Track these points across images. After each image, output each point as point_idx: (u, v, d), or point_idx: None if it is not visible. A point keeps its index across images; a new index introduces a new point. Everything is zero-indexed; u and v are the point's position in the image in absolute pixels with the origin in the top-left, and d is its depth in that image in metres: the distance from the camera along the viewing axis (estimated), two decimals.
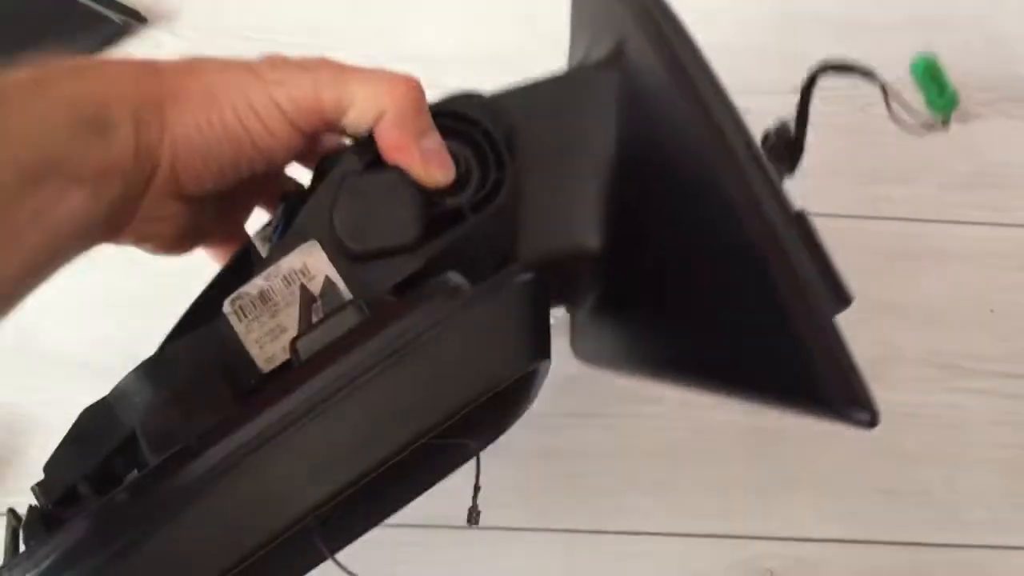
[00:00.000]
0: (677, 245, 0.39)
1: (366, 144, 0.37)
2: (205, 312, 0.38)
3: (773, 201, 0.34)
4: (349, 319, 0.32)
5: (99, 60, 0.35)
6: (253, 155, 0.35)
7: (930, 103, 0.59)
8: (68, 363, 0.61)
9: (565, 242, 0.41)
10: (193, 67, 0.35)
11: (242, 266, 0.40)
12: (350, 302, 0.33)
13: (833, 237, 0.67)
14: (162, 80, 0.34)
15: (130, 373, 0.36)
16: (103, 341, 0.61)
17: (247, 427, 0.29)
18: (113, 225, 0.35)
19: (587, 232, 0.41)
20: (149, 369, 0.36)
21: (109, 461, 0.36)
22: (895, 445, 0.64)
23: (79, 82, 0.32)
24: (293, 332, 0.34)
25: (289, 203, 0.39)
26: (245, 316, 0.36)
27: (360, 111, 0.35)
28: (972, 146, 0.73)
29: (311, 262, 0.37)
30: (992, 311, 0.68)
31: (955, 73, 0.74)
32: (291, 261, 0.37)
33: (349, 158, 0.37)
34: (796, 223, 0.33)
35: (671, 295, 0.40)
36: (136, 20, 0.69)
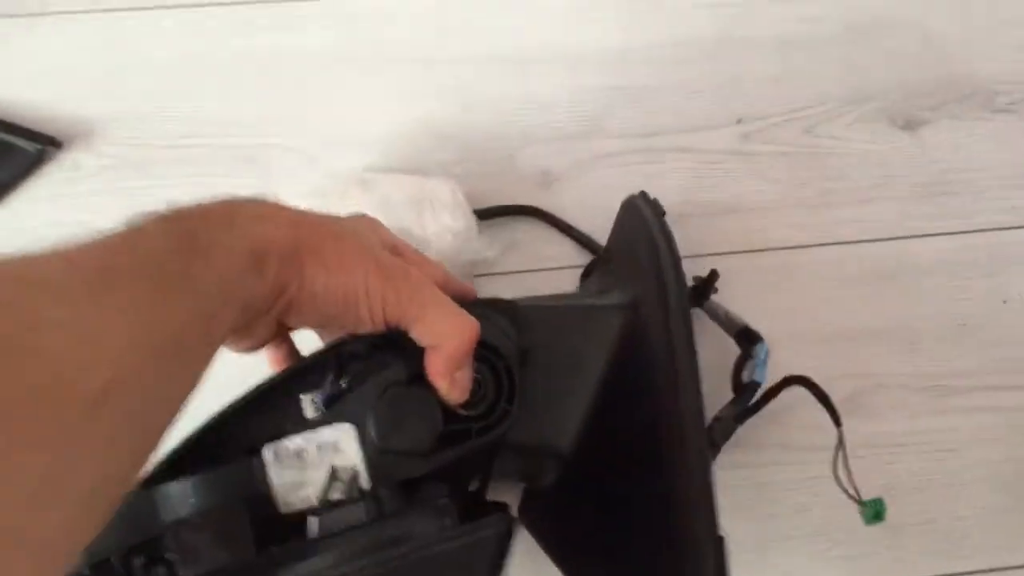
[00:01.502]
0: (621, 474, 0.50)
1: (414, 360, 0.45)
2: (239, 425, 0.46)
3: (706, 513, 0.44)
4: (357, 514, 0.43)
5: (266, 205, 0.40)
6: (346, 322, 0.42)
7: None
8: None
9: (544, 441, 0.50)
10: (332, 229, 0.41)
11: (271, 402, 0.47)
12: (364, 496, 0.43)
13: (794, 268, 0.67)
14: (300, 232, 0.39)
15: (181, 480, 0.42)
16: None
17: None
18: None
19: (564, 437, 0.50)
20: (194, 484, 0.43)
21: (141, 545, 0.42)
22: (890, 479, 0.62)
23: (258, 226, 0.37)
24: (313, 490, 0.44)
25: (339, 378, 0.47)
26: (279, 464, 0.44)
27: (426, 334, 0.43)
28: (925, 154, 0.71)
29: (344, 441, 0.45)
30: (963, 324, 0.66)
31: (895, 79, 0.73)
32: (328, 434, 0.45)
33: (398, 369, 0.45)
34: (715, 544, 0.44)
35: (604, 510, 0.51)
36: (51, 146, 0.66)
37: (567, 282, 0.66)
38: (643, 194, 0.61)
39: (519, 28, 0.74)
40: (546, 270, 0.67)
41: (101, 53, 0.70)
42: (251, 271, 0.37)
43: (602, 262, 0.65)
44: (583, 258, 0.67)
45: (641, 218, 0.58)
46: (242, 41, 0.71)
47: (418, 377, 0.46)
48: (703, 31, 0.74)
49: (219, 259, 0.35)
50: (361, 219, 0.48)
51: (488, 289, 0.66)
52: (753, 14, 0.75)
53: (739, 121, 0.72)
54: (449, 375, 0.44)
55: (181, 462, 0.47)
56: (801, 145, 0.71)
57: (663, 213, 0.59)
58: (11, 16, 0.71)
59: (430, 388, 0.45)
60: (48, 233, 0.63)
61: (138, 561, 0.43)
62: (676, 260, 0.52)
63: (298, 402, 0.48)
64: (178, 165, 0.68)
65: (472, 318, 0.44)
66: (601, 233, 0.67)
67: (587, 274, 0.66)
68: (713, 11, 0.75)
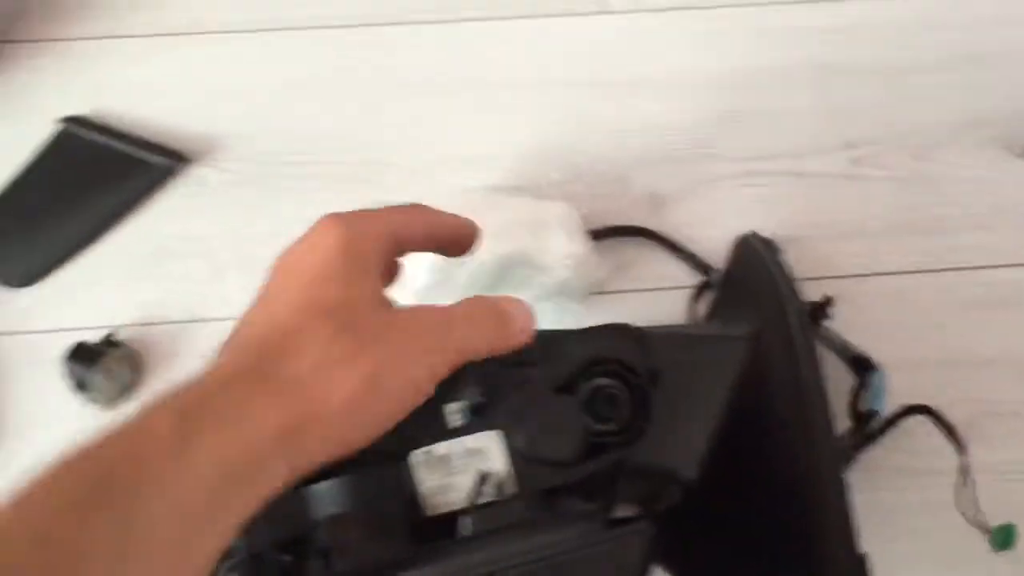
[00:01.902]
0: (749, 501, 0.51)
1: (560, 371, 0.46)
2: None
3: (844, 537, 0.45)
4: (508, 516, 0.43)
5: (233, 399, 0.31)
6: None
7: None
8: None
9: (668, 465, 0.50)
10: (336, 378, 0.33)
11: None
12: (513, 498, 0.43)
13: (906, 293, 0.66)
14: (303, 397, 0.32)
15: (330, 481, 0.43)
16: None
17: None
18: None
19: (688, 463, 0.50)
20: (344, 483, 0.44)
21: (292, 540, 0.44)
22: (1007, 508, 0.61)
23: (222, 435, 0.30)
24: (459, 495, 0.44)
25: (483, 388, 0.47)
26: (426, 468, 0.45)
27: (482, 350, 0.39)
28: None
29: (490, 448, 0.46)
30: None
31: (1010, 106, 0.72)
32: (475, 440, 0.45)
33: (544, 379, 0.46)
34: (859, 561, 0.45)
35: (730, 535, 0.52)
36: (180, 161, 0.68)
37: (677, 303, 0.67)
38: (755, 234, 0.64)
39: (631, 53, 0.75)
40: (656, 290, 0.68)
41: (229, 74, 0.73)
42: (232, 489, 0.30)
43: (718, 292, 0.66)
44: (693, 279, 0.68)
45: (757, 255, 0.61)
46: (362, 63, 0.74)
47: (564, 388, 0.47)
48: (812, 57, 0.75)
49: (161, 519, 0.27)
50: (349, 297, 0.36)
51: (599, 308, 0.66)
52: (863, 42, 0.75)
53: (850, 146, 0.72)
54: (512, 340, 0.39)
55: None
56: (912, 171, 0.71)
57: (778, 251, 0.61)
58: (148, 36, 0.74)
59: (576, 404, 0.47)
60: (174, 244, 0.66)
61: (288, 555, 0.44)
62: (798, 299, 0.54)
63: (441, 411, 0.49)
64: (296, 181, 0.70)
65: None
66: (711, 255, 0.67)
67: (697, 296, 0.67)
68: (822, 38, 0.76)
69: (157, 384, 0.63)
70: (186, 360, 0.64)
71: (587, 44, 0.75)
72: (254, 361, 0.32)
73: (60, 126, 0.70)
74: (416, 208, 0.41)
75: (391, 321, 0.35)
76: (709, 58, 0.75)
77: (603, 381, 0.50)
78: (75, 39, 0.74)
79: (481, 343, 0.39)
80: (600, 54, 0.75)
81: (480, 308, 0.40)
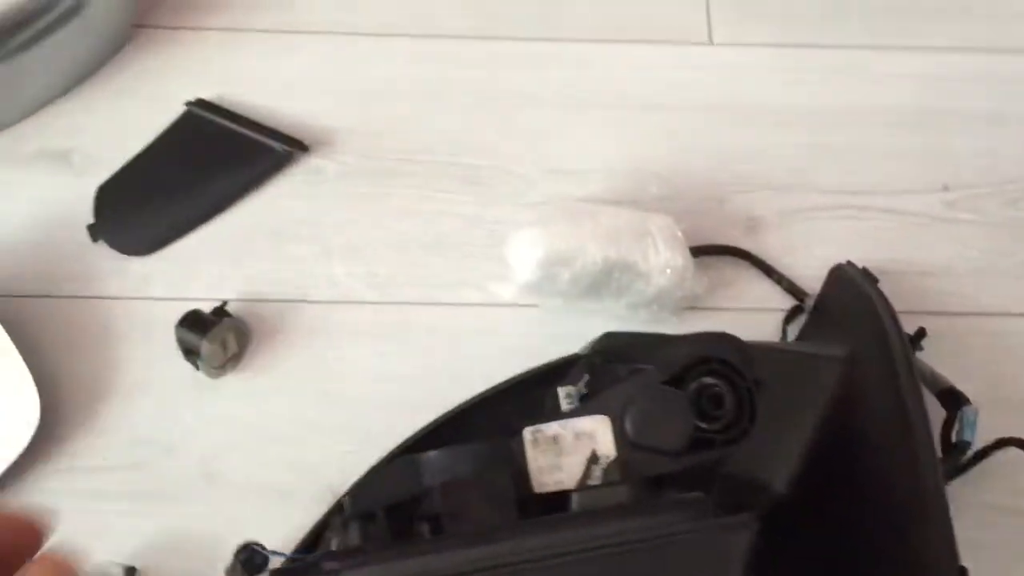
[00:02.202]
0: (842, 517, 0.52)
1: (670, 364, 0.49)
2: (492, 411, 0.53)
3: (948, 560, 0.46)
4: (619, 495, 0.44)
5: None
6: None
7: None
8: (246, 488, 0.62)
9: (760, 476, 0.52)
10: None
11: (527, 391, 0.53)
12: (623, 482, 0.45)
13: (996, 334, 0.67)
14: None
15: (441, 450, 0.47)
16: (283, 467, 0.63)
17: (532, 539, 0.40)
18: None
19: (779, 476, 0.52)
20: (457, 453, 0.47)
21: (403, 503, 0.47)
22: None
23: None
24: (566, 474, 0.47)
25: (593, 378, 0.50)
26: (537, 446, 0.47)
27: None
28: None
29: (599, 431, 0.48)
30: None
31: None
32: (585, 424, 0.48)
33: (654, 372, 0.49)
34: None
35: (820, 550, 0.53)
36: (299, 149, 0.71)
37: (768, 324, 0.68)
38: (851, 263, 0.66)
39: (733, 83, 0.77)
40: (749, 310, 0.69)
41: (351, 73, 0.76)
42: None
43: (810, 317, 0.68)
44: (785, 303, 0.69)
45: (854, 283, 0.62)
46: (480, 72, 0.77)
47: (673, 382, 0.49)
48: (911, 99, 0.77)
49: None
50: None
51: (692, 322, 0.68)
52: (962, 87, 0.77)
53: (945, 188, 0.73)
54: None
55: (440, 433, 0.51)
56: (1006, 217, 0.73)
57: (876, 280, 0.63)
58: (275, 32, 0.77)
59: (684, 396, 0.48)
60: (287, 227, 0.69)
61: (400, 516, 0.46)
62: (899, 326, 0.56)
63: (553, 394, 0.51)
64: (407, 178, 0.73)
65: None
66: (803, 280, 0.69)
67: (789, 319, 0.68)
68: (922, 81, 0.78)
69: (260, 356, 0.66)
70: (290, 335, 0.66)
71: (691, 71, 0.78)
72: None
73: (187, 108, 0.73)
74: None
75: None
76: (808, 93, 0.77)
77: (710, 380, 0.51)
78: (206, 29, 0.77)
79: None
80: (703, 82, 0.77)
81: None
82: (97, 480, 0.61)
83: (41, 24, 0.66)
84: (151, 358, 0.66)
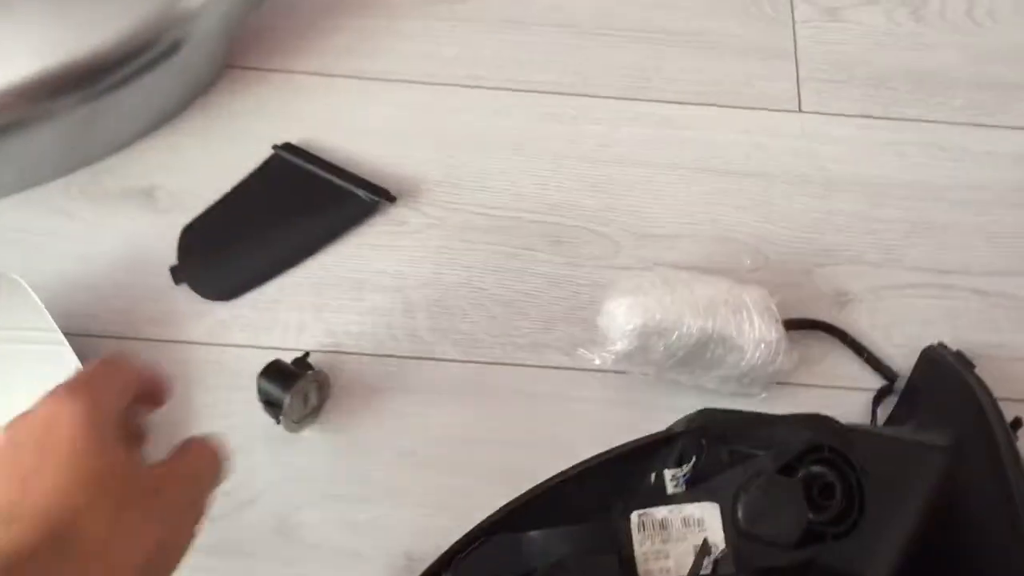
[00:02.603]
0: None
1: (783, 452, 0.48)
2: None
3: None
4: None
5: (40, 571, 0.34)
6: None
7: None
8: (320, 548, 0.61)
9: (858, 567, 0.49)
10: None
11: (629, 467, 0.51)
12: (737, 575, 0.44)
13: None
14: (105, 565, 0.36)
15: (550, 530, 0.47)
16: (358, 528, 0.61)
17: None
18: None
19: (878, 567, 0.50)
20: (562, 534, 0.47)
21: None
22: None
23: None
24: (674, 562, 0.46)
25: (700, 459, 0.48)
26: (643, 530, 0.47)
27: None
28: None
29: (708, 519, 0.47)
30: None
31: None
32: (693, 510, 0.47)
33: (766, 459, 0.48)
34: None
35: None
36: (386, 199, 0.70)
37: (858, 403, 0.67)
38: (943, 345, 0.65)
39: (823, 153, 0.76)
40: (838, 388, 0.68)
41: (438, 121, 0.76)
42: None
43: (900, 399, 0.66)
44: (875, 382, 0.67)
45: (950, 367, 0.61)
46: (568, 128, 0.76)
47: (786, 468, 0.47)
48: (1009, 177, 0.75)
49: None
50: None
51: (780, 398, 0.67)
52: None
53: None
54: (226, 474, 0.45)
55: (532, 507, 0.50)
56: None
57: (973, 366, 0.61)
58: (362, 78, 0.77)
59: (798, 486, 0.47)
60: (369, 278, 0.68)
61: None
62: (1002, 417, 0.55)
63: (656, 474, 0.50)
64: (490, 234, 0.72)
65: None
66: (894, 359, 0.67)
67: (879, 399, 0.67)
68: (1019, 162, 0.76)
69: (338, 411, 0.65)
70: (369, 390, 0.65)
71: (779, 138, 0.77)
72: (48, 538, 0.34)
73: (274, 151, 0.72)
74: (120, 367, 0.43)
75: (154, 486, 0.39)
76: (901, 167, 0.76)
77: (819, 469, 0.50)
78: (295, 72, 0.77)
79: (214, 485, 0.43)
80: (792, 149, 0.76)
81: (207, 454, 0.43)
82: None
83: (137, 64, 0.65)
84: (228, 407, 0.64)
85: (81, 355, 0.62)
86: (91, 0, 0.63)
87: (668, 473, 0.49)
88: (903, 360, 0.67)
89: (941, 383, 0.63)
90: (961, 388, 0.60)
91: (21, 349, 0.62)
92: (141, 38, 0.64)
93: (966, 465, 0.55)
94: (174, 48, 0.66)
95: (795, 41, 0.82)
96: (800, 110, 0.79)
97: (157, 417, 0.62)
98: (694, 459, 0.49)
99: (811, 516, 0.48)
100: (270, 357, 0.63)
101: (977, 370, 0.62)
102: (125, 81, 0.65)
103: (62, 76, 0.63)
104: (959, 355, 0.64)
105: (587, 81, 0.78)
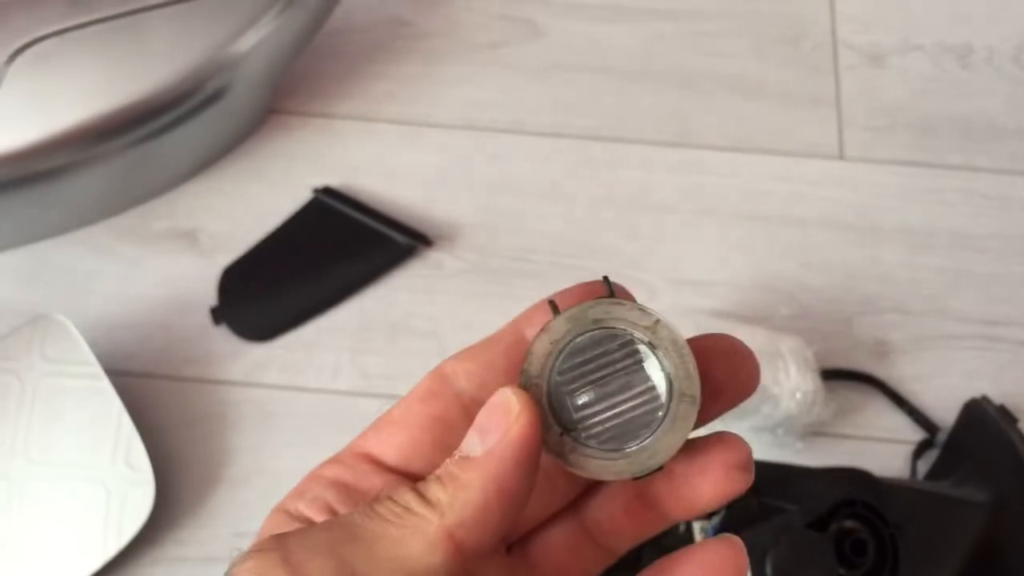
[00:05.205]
0: None
1: (814, 506, 0.47)
2: None
3: None
4: None
5: None
6: None
7: None
8: None
9: None
10: None
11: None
12: None
13: None
14: None
15: None
16: None
17: None
18: None
19: None
20: None
21: None
22: None
23: None
24: None
25: (730, 511, 0.48)
26: None
27: None
28: None
29: None
30: None
31: None
32: None
33: (797, 514, 0.47)
34: None
35: None
36: (422, 243, 0.71)
37: (898, 456, 0.66)
38: (987, 399, 0.63)
39: (863, 201, 0.75)
40: (877, 440, 0.66)
41: (476, 166, 0.76)
42: None
43: (942, 453, 0.65)
44: (915, 434, 0.66)
45: (993, 422, 0.60)
46: (606, 173, 0.76)
47: (818, 522, 0.47)
48: None
49: None
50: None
51: (817, 449, 0.65)
52: None
53: None
54: None
55: None
56: None
57: (1016, 420, 0.60)
58: (401, 123, 0.78)
59: (826, 541, 0.46)
60: (405, 321, 0.68)
61: None
62: None
63: (684, 523, 0.49)
64: (528, 278, 0.72)
65: None
66: (933, 412, 0.66)
67: (919, 453, 0.65)
68: None
69: None
70: None
71: (821, 186, 0.76)
72: None
73: (313, 194, 0.73)
74: None
75: None
76: (944, 215, 0.75)
77: (851, 524, 0.49)
78: (336, 116, 0.78)
79: None
80: (833, 197, 0.76)
81: None
82: (204, 574, 0.61)
83: (183, 109, 0.67)
84: (261, 448, 0.65)
85: (122, 393, 0.63)
86: (139, 48, 0.65)
87: (697, 524, 0.49)
88: (945, 413, 0.66)
89: (983, 437, 0.62)
90: (1004, 443, 0.59)
91: (64, 386, 0.63)
92: (187, 85, 0.66)
93: (1007, 522, 0.54)
94: (219, 94, 0.68)
95: (838, 87, 0.81)
96: (842, 157, 0.78)
97: (191, 453, 0.64)
98: (724, 510, 0.49)
99: (842, 572, 0.47)
100: (305, 398, 0.64)
101: (1020, 424, 0.61)
102: (171, 126, 0.67)
103: (111, 121, 0.65)
104: (1002, 409, 0.63)
105: (626, 126, 0.79)
